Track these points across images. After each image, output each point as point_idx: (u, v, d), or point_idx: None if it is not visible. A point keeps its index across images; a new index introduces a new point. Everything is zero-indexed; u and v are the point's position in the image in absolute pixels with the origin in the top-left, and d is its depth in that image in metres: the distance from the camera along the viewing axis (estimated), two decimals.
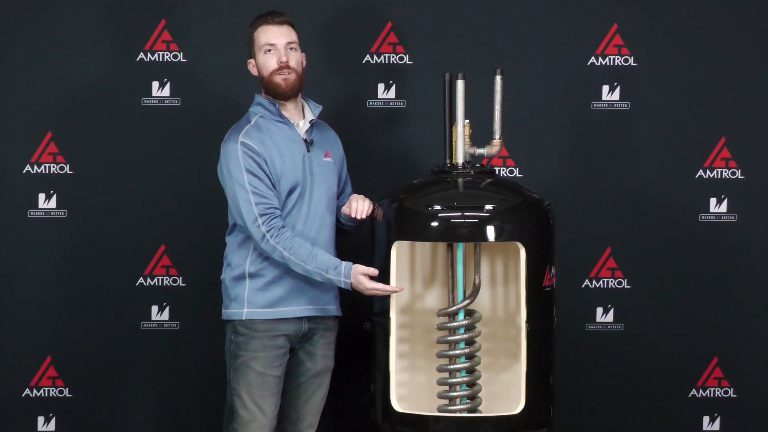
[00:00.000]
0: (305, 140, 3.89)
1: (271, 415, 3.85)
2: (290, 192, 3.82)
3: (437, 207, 3.66)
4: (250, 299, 3.83)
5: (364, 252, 3.98)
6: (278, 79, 3.84)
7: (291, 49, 3.85)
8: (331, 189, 3.92)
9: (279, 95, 3.86)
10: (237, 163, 3.77)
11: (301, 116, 3.92)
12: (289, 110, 3.90)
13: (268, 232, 3.74)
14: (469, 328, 3.77)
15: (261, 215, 3.74)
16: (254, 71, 3.90)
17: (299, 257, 3.75)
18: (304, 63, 3.92)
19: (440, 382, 3.80)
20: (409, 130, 4.48)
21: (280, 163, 3.81)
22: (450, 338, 3.75)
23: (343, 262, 3.77)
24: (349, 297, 4.19)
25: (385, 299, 3.73)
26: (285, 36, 3.85)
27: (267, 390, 3.83)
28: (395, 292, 3.72)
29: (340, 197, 4.02)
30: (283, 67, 3.83)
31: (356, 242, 4.32)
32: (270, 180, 3.78)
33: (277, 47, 3.84)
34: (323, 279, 3.77)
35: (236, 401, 3.84)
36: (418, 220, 3.67)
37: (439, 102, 3.87)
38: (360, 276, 3.73)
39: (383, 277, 3.72)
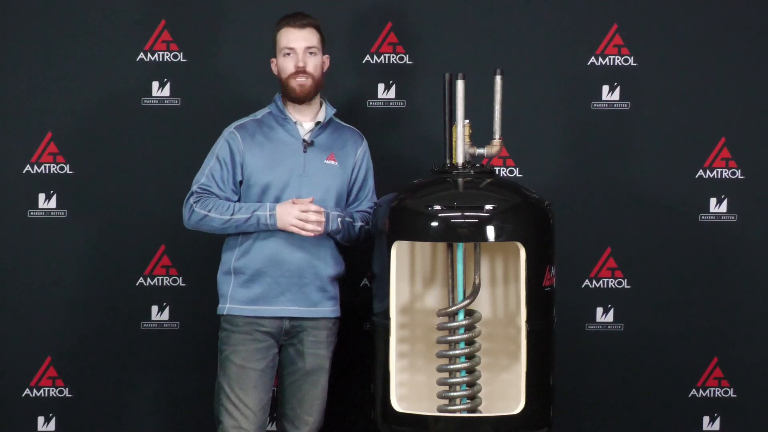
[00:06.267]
0: (304, 140, 3.89)
1: (255, 408, 3.88)
2: (266, 189, 3.85)
3: (437, 207, 3.65)
4: (233, 294, 3.90)
5: (363, 252, 3.98)
6: (294, 83, 3.89)
7: (310, 53, 3.90)
8: (329, 192, 3.91)
9: (293, 99, 3.92)
10: (217, 144, 3.92)
11: (314, 117, 3.95)
12: (301, 110, 3.94)
13: (193, 200, 3.88)
14: (469, 328, 3.76)
15: (195, 192, 3.89)
16: (275, 71, 3.95)
17: (220, 210, 3.85)
18: (326, 65, 3.98)
19: (440, 382, 3.80)
20: (409, 130, 4.48)
21: (261, 160, 3.87)
22: (450, 338, 3.75)
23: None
24: (350, 297, 4.19)
25: (384, 300, 3.72)
26: (305, 40, 3.89)
27: (248, 383, 3.87)
28: (311, 209, 3.78)
29: (352, 205, 3.99)
30: (300, 71, 3.88)
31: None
32: (232, 176, 3.87)
33: (295, 51, 3.88)
34: (249, 218, 3.81)
35: (221, 395, 3.90)
36: (418, 220, 3.67)
37: (439, 102, 3.86)
38: (286, 204, 3.80)
39: (382, 276, 3.72)
